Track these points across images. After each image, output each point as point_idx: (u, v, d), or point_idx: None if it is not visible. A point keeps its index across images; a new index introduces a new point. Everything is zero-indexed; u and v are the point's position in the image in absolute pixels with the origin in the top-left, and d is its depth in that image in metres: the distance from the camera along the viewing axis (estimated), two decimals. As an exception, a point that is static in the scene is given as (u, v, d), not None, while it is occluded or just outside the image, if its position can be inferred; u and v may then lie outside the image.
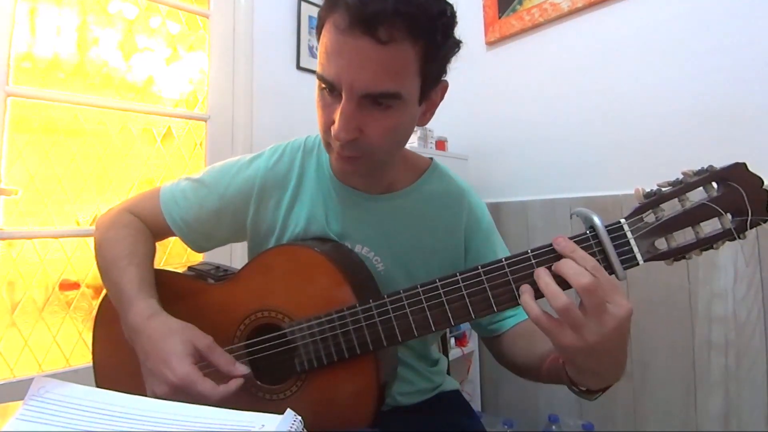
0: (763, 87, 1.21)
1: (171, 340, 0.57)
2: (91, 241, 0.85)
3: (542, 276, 0.51)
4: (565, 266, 0.50)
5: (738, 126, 1.25)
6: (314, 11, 1.87)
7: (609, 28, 1.55)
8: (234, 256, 1.58)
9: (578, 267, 0.49)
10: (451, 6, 0.58)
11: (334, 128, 0.57)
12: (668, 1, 1.40)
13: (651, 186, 0.54)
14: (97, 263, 0.72)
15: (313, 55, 1.88)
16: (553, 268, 0.51)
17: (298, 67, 1.84)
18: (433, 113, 0.69)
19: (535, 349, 0.66)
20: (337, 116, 0.57)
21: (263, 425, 0.40)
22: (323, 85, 0.59)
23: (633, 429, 1.41)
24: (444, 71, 0.64)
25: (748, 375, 1.20)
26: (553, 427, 1.44)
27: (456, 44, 0.61)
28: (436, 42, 0.57)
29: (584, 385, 0.55)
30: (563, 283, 0.50)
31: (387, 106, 0.58)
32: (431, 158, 0.82)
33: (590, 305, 0.47)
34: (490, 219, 0.82)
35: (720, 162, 0.52)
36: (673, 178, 0.53)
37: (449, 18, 0.58)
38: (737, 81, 1.26)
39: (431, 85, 0.62)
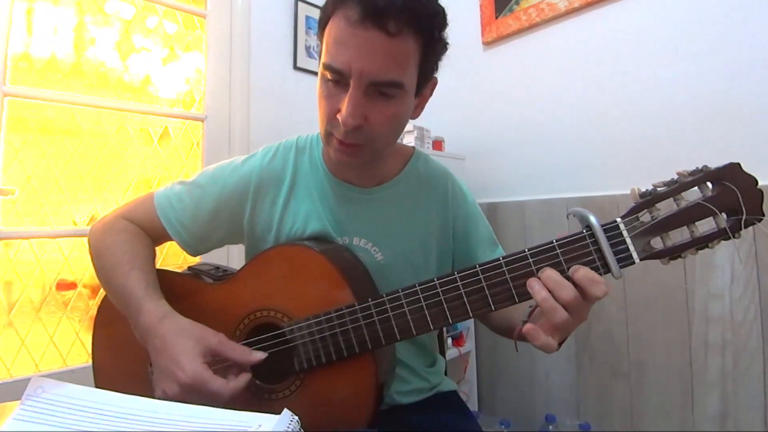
0: (761, 87, 1.22)
1: (182, 339, 0.58)
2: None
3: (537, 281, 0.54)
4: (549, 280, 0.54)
5: (735, 126, 1.25)
6: (311, 11, 1.87)
7: (606, 27, 1.55)
8: (231, 257, 1.58)
9: (560, 278, 0.53)
10: (443, 9, 0.64)
11: (342, 114, 0.60)
12: (665, 1, 1.41)
13: (647, 186, 0.54)
14: (96, 270, 0.72)
15: (310, 55, 1.88)
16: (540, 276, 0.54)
17: (295, 67, 1.84)
18: (423, 107, 0.74)
19: (511, 317, 0.71)
20: (344, 104, 0.60)
21: (260, 425, 0.40)
22: (328, 76, 0.61)
23: (630, 429, 1.41)
24: (436, 68, 0.69)
25: (744, 375, 1.20)
26: (550, 427, 1.44)
27: (445, 45, 0.67)
28: (434, 38, 0.63)
29: None
30: None
31: (390, 96, 0.61)
32: (413, 147, 0.86)
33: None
34: (473, 199, 0.85)
35: (717, 162, 0.53)
36: (668, 179, 0.54)
37: (443, 18, 0.64)
38: (734, 80, 1.26)
39: (425, 79, 0.67)
